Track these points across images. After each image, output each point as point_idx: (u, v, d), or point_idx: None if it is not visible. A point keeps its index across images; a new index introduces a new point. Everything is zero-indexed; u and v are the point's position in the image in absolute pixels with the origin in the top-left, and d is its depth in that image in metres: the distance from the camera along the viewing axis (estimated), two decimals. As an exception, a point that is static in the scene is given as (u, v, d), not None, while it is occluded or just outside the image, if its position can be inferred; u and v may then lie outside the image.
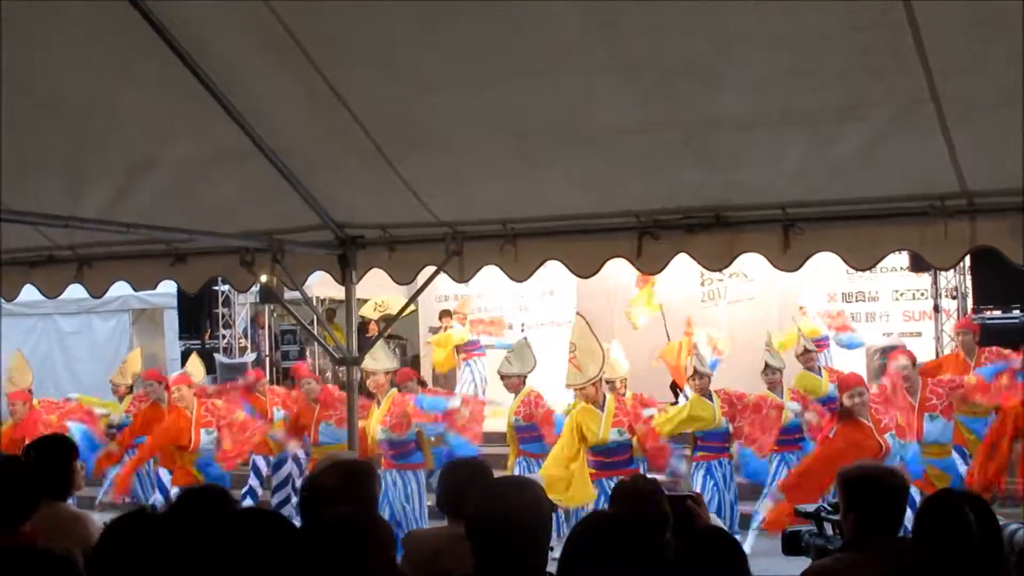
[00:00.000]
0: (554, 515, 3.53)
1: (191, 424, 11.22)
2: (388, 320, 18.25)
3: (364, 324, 18.01)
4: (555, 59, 4.79)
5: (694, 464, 10.75)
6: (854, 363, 14.21)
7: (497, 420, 12.57)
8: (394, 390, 11.09)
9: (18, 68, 5.21)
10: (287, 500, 12.54)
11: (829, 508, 4.51)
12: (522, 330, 18.51)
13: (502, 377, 11.85)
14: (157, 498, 12.04)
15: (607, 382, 10.58)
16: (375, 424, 10.71)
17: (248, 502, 13.09)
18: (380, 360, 10.83)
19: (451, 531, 4.31)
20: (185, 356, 17.93)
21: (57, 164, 6.10)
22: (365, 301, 18.86)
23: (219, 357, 17.79)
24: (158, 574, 3.03)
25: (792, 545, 4.67)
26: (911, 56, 4.31)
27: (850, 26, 4.29)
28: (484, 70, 4.96)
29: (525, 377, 11.63)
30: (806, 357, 12.25)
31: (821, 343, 14.61)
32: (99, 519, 4.63)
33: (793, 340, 13.52)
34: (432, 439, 11.25)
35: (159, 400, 12.14)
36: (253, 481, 13.32)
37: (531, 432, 11.32)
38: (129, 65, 5.27)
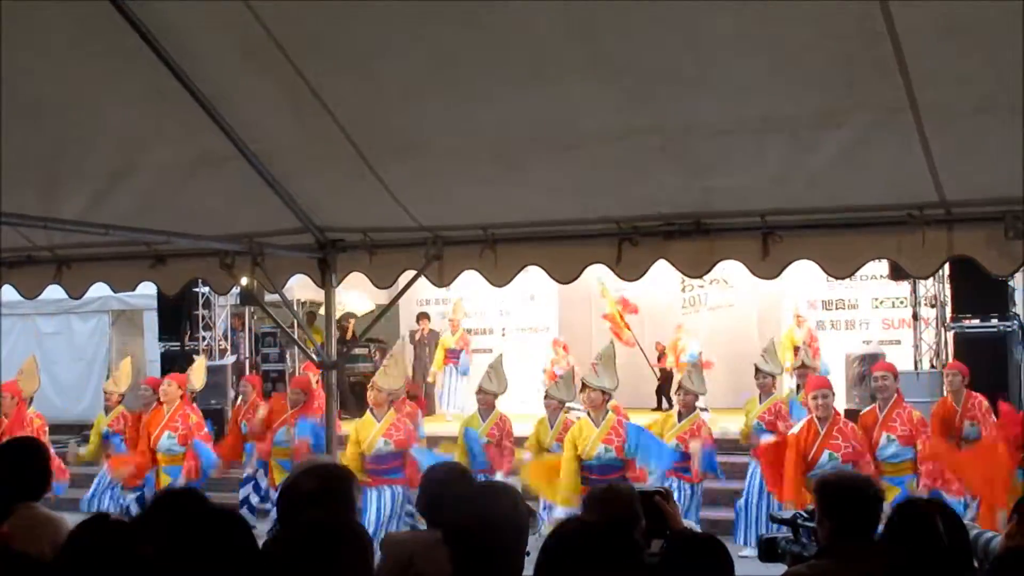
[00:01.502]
0: (532, 520, 3.52)
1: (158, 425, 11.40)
2: (350, 318, 18.34)
3: (343, 324, 17.99)
4: (535, 65, 4.79)
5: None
6: (835, 371, 14.26)
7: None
8: (391, 411, 10.73)
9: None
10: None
11: (805, 515, 4.53)
12: (503, 335, 18.58)
13: (479, 392, 11.54)
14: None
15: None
16: (377, 436, 10.40)
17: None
18: (392, 377, 10.72)
19: (428, 535, 4.30)
20: (165, 358, 17.91)
21: (38, 166, 6.07)
22: (351, 315, 18.88)
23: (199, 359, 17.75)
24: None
25: (768, 552, 4.69)
26: (890, 63, 4.32)
27: (829, 33, 4.31)
28: (465, 76, 4.97)
29: (497, 397, 11.36)
30: (801, 372, 12.13)
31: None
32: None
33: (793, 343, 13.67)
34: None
35: (146, 407, 12.25)
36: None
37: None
38: (111, 68, 5.26)
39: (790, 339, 15.60)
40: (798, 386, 11.92)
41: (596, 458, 9.60)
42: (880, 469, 9.34)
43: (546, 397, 11.33)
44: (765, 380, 11.30)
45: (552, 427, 10.73)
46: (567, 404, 11.11)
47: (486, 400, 11.25)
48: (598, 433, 9.67)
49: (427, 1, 4.50)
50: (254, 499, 12.63)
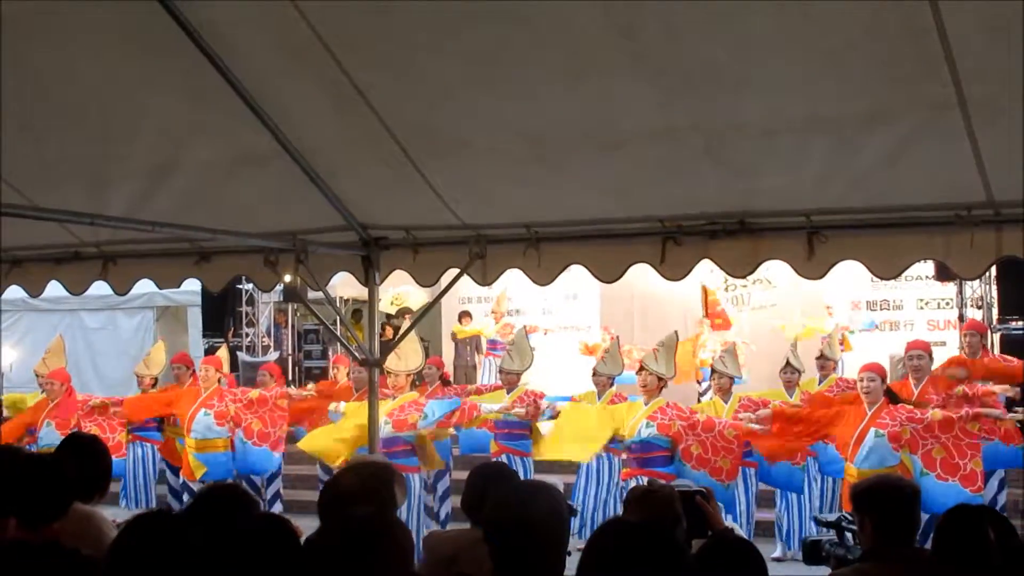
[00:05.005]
0: (572, 520, 3.54)
1: (193, 402, 11.51)
2: (406, 313, 18.36)
3: (394, 324, 18.05)
4: (578, 64, 4.78)
5: None
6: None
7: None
8: (412, 393, 10.88)
9: (46, 69, 5.26)
10: None
11: (849, 518, 4.51)
12: (545, 334, 18.57)
13: (502, 373, 11.82)
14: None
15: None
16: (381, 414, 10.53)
17: None
18: (406, 359, 10.68)
19: (471, 534, 4.31)
20: (209, 354, 18.05)
21: (84, 164, 6.14)
22: (406, 311, 18.97)
23: (242, 355, 17.86)
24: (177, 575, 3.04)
25: (813, 554, 4.67)
26: (938, 62, 4.28)
27: (875, 32, 4.26)
28: (508, 74, 4.96)
29: (520, 375, 11.58)
30: (821, 363, 12.01)
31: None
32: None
33: (809, 333, 13.53)
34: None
35: (180, 382, 12.43)
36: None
37: (521, 428, 11.32)
38: (157, 65, 5.30)
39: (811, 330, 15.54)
40: (820, 378, 11.81)
41: (637, 435, 9.68)
42: None
43: (594, 375, 11.42)
44: (792, 376, 11.21)
45: (600, 399, 11.01)
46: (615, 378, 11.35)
47: (509, 380, 11.54)
48: (644, 411, 9.72)
49: (470, 0, 4.51)
50: None
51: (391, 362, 10.19)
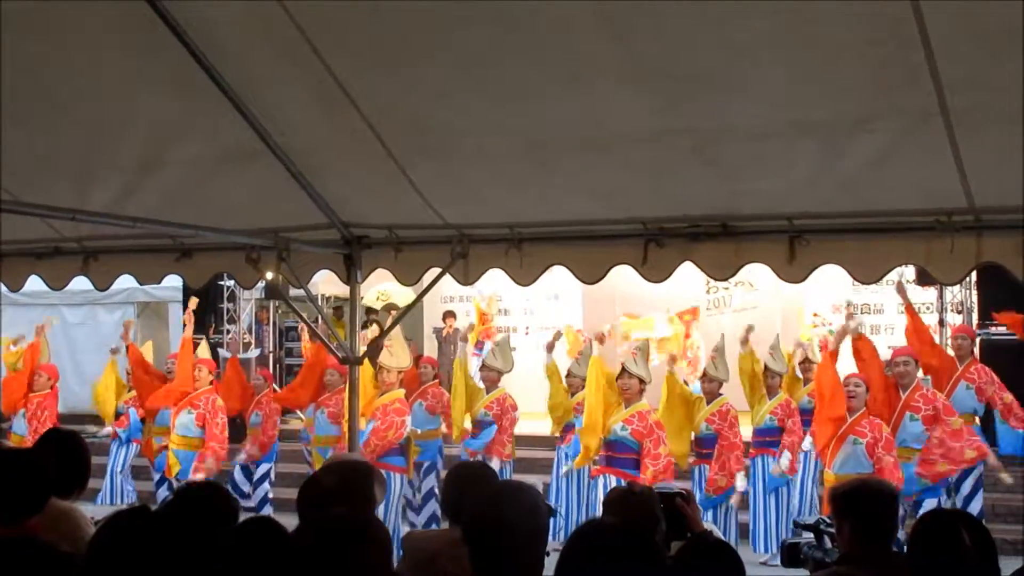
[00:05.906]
0: (551, 520, 3.55)
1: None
2: (391, 309, 18.33)
3: (366, 324, 18.02)
4: (566, 66, 4.77)
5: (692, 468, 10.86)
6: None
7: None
8: (400, 391, 10.79)
9: (32, 65, 5.23)
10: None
11: (828, 521, 4.52)
12: (527, 333, 18.58)
13: (484, 368, 11.96)
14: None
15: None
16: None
17: None
18: (399, 357, 10.71)
19: (451, 534, 4.30)
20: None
21: (68, 160, 6.13)
22: (392, 306, 18.93)
23: (223, 352, 17.80)
24: (155, 572, 3.03)
25: (791, 557, 4.69)
26: (922, 70, 4.28)
27: (861, 39, 4.27)
28: (496, 75, 4.95)
29: (501, 375, 11.78)
30: (805, 367, 12.02)
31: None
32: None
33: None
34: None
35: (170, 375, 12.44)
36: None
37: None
38: (143, 63, 5.28)
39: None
40: (805, 380, 11.82)
41: (612, 434, 9.78)
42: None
43: (568, 375, 11.69)
44: (773, 380, 11.25)
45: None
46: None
47: (490, 377, 11.71)
48: (623, 413, 9.77)
49: (459, 1, 4.50)
50: None
51: (384, 358, 10.36)
